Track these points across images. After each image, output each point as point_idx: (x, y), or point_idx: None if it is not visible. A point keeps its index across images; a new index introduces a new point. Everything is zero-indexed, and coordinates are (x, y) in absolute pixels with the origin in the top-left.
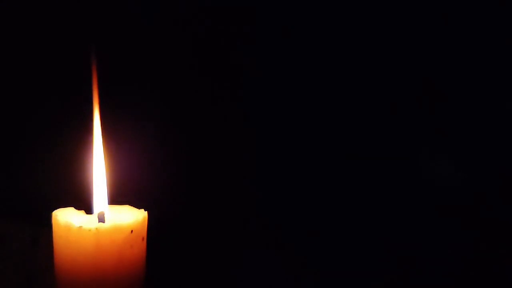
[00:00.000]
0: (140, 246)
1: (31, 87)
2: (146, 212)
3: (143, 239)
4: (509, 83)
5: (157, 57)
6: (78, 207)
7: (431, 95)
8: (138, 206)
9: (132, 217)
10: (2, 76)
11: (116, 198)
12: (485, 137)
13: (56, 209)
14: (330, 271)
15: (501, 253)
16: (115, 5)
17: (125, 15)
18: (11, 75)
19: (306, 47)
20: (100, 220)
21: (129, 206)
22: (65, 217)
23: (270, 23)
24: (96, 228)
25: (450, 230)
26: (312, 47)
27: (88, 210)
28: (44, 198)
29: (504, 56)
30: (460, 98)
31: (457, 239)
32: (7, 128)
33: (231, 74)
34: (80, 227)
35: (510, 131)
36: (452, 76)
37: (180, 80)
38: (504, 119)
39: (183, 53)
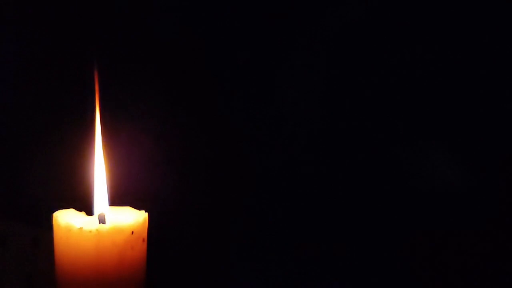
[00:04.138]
0: (141, 248)
1: (31, 88)
2: (147, 213)
3: (143, 240)
4: (509, 83)
5: (157, 58)
6: (78, 209)
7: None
8: (138, 207)
9: (133, 218)
10: (3, 77)
11: (116, 199)
12: (485, 136)
13: (57, 210)
14: (329, 271)
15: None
16: (117, 5)
17: (126, 16)
18: (11, 76)
19: (304, 47)
20: (101, 222)
21: (130, 208)
22: (66, 218)
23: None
24: (97, 230)
25: (450, 230)
26: (310, 47)
27: (89, 211)
28: (45, 199)
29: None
30: (460, 97)
31: (457, 239)
32: (8, 128)
33: (231, 74)
34: (81, 228)
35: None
36: (451, 75)
37: (180, 81)
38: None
39: (183, 54)
